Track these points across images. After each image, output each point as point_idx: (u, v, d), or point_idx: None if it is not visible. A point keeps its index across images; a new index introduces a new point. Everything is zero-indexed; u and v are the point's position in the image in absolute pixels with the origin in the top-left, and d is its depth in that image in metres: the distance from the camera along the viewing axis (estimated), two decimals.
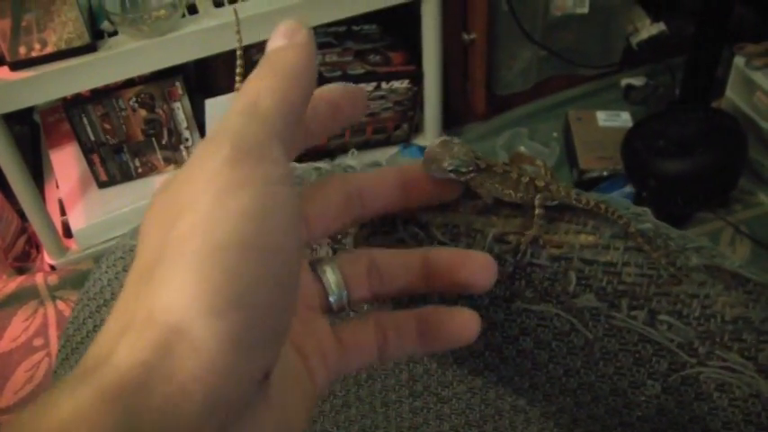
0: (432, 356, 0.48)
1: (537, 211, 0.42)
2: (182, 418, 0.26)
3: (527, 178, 0.43)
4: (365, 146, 1.81)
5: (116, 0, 1.48)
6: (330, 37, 1.75)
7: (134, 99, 1.63)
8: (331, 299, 0.40)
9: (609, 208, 0.42)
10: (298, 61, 0.33)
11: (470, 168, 0.42)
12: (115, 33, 1.49)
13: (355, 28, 1.78)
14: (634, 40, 1.99)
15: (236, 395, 0.27)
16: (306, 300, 0.39)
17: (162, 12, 1.48)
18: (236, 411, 0.28)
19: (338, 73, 1.68)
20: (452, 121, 1.89)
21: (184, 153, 1.72)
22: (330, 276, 0.40)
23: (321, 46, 1.73)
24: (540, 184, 0.43)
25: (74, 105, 1.60)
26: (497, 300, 0.43)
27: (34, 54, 1.46)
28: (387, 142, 1.82)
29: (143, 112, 1.65)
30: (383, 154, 1.81)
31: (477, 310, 0.40)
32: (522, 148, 1.88)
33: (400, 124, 1.80)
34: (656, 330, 0.41)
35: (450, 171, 0.42)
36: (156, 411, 0.25)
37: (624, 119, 1.89)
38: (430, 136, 1.84)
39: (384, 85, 1.71)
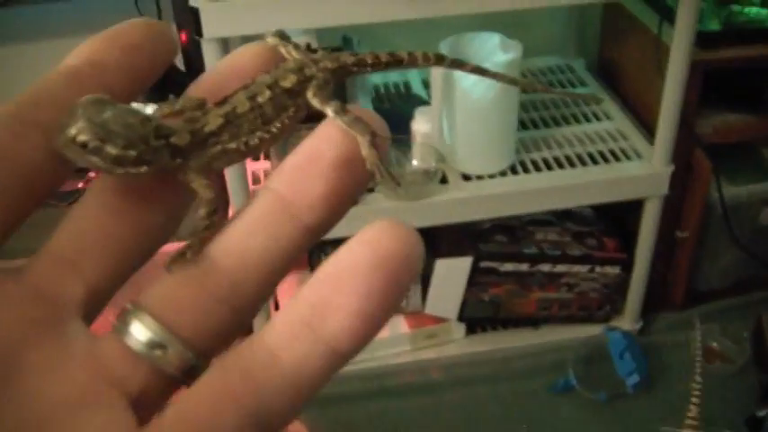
0: None
1: None
2: None
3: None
4: (569, 320, 1.93)
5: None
6: (550, 215, 1.90)
7: None
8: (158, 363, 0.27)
9: None
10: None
11: (131, 155, 0.28)
12: (372, 190, 1.66)
13: (574, 209, 1.92)
14: None
15: None
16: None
17: (417, 176, 1.66)
18: None
19: (558, 252, 1.82)
20: (649, 306, 1.98)
21: None
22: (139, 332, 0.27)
23: (542, 223, 1.88)
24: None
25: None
26: None
27: None
28: (589, 319, 1.93)
29: None
30: (585, 330, 1.92)
31: None
32: (715, 344, 1.96)
33: (604, 305, 1.92)
34: None
35: (83, 152, 0.27)
36: None
37: None
38: (629, 319, 1.94)
39: (598, 268, 1.84)
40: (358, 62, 0.35)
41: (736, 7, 1.71)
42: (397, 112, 1.76)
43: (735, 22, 1.71)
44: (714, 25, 1.69)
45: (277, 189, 0.29)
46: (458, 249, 1.82)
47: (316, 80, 0.33)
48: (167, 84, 0.36)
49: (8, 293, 0.26)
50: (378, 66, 0.36)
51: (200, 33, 1.38)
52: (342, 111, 0.31)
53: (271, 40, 0.35)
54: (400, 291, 0.26)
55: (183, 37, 1.69)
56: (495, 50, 1.66)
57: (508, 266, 1.81)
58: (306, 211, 0.29)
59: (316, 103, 0.33)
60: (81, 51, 0.29)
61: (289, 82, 0.32)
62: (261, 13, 1.40)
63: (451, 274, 1.80)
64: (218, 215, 0.30)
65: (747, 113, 1.82)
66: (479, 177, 1.69)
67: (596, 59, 2.13)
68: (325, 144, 0.29)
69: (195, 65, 1.73)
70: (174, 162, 0.29)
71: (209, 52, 1.41)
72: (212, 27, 1.38)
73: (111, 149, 0.27)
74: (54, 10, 1.78)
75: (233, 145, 0.31)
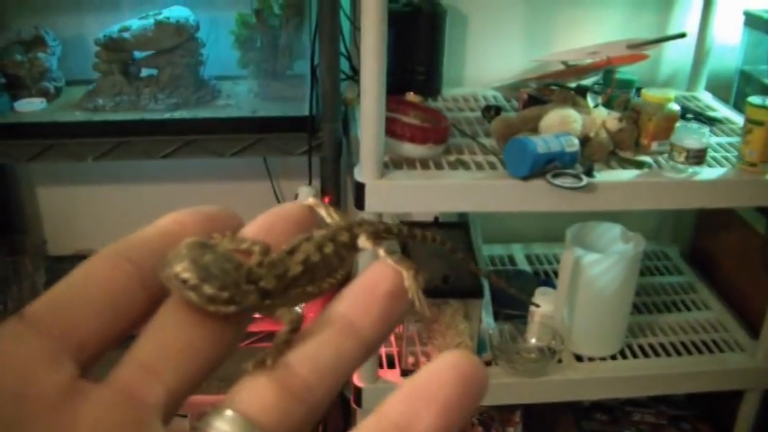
0: None
1: None
2: None
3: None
4: None
5: (496, 329, 1.74)
6: (646, 396, 1.96)
7: (476, 416, 1.86)
8: None
9: None
10: None
11: (224, 296, 0.33)
12: (490, 363, 1.73)
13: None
14: None
15: None
16: None
17: (533, 354, 1.73)
18: None
19: None
20: None
21: None
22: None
23: (638, 404, 1.93)
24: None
25: None
26: None
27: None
28: None
29: None
30: None
31: None
32: None
33: None
34: None
35: (183, 287, 0.32)
36: None
37: None
38: None
39: None
40: (386, 230, 0.43)
41: None
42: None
43: None
44: None
45: (341, 311, 0.35)
46: (559, 425, 1.87)
47: (364, 234, 0.40)
48: None
49: (102, 398, 0.30)
50: (399, 236, 0.44)
51: (362, 207, 1.49)
52: (390, 252, 0.38)
53: (311, 201, 0.41)
54: (473, 406, 0.31)
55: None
56: (616, 240, 1.76)
57: None
58: (366, 328, 0.35)
59: (368, 245, 0.41)
60: (170, 216, 0.36)
61: (345, 237, 0.39)
62: (417, 195, 1.51)
63: None
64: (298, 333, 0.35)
65: None
66: (591, 359, 1.76)
67: (690, 248, 2.23)
68: (381, 278, 0.37)
69: None
70: (262, 303, 0.34)
71: None
72: (374, 203, 1.49)
73: (208, 289, 0.32)
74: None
75: (310, 288, 0.37)
